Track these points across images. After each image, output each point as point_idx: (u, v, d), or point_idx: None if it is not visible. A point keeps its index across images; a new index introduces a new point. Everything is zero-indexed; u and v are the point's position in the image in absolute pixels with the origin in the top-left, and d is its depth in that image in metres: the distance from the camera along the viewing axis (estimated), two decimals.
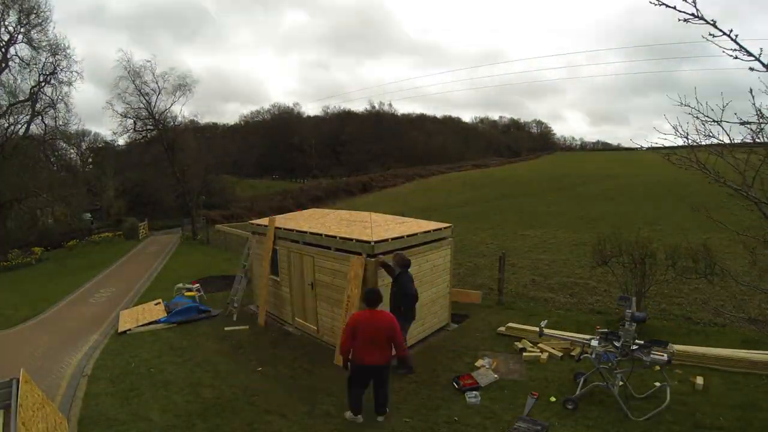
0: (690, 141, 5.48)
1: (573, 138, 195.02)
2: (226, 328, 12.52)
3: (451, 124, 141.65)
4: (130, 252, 32.24)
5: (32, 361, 10.85)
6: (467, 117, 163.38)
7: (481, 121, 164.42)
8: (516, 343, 10.18)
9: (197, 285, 15.95)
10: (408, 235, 10.38)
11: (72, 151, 52.72)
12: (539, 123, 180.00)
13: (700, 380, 7.73)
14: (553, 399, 7.62)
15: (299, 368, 9.69)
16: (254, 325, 12.64)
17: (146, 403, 8.37)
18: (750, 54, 4.30)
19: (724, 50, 4.38)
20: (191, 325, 12.96)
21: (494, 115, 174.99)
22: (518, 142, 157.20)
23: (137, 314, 13.89)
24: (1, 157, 32.83)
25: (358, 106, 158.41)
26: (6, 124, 34.73)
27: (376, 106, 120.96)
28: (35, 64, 34.96)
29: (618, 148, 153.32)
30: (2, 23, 32.56)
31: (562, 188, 50.96)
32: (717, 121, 5.12)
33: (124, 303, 16.17)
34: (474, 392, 8.10)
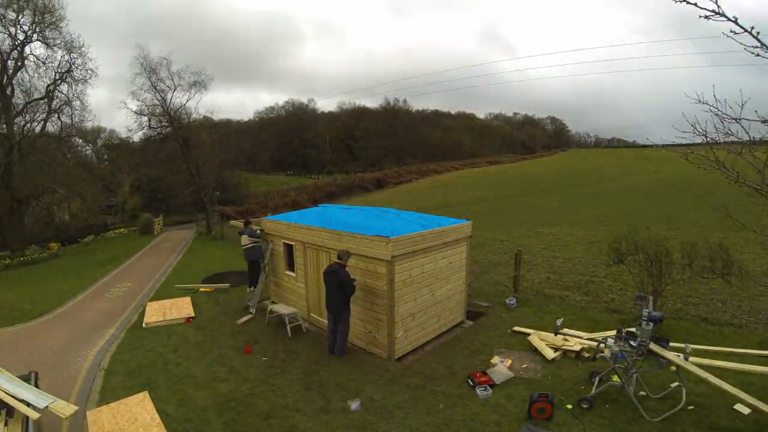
0: (708, 139, 5.43)
1: (588, 135, 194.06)
2: (238, 322, 12.67)
3: (465, 120, 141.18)
4: (146, 247, 32.46)
5: (50, 354, 10.99)
6: (481, 113, 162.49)
7: (496, 117, 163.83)
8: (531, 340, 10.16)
9: None
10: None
11: (88, 147, 53.26)
12: (554, 119, 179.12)
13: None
14: (569, 407, 7.52)
15: (314, 363, 9.73)
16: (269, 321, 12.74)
17: (162, 397, 8.44)
18: None
19: (746, 47, 4.34)
20: (207, 320, 13.07)
21: (508, 112, 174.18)
22: (533, 139, 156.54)
23: (164, 308, 14.08)
24: (18, 154, 33.23)
25: (373, 102, 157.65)
26: (23, 122, 35.13)
27: (391, 102, 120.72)
28: (51, 63, 35.36)
29: (633, 146, 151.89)
30: (17, 22, 32.93)
31: (577, 186, 50.64)
32: (736, 119, 5.08)
33: (140, 298, 16.30)
34: (484, 386, 8.12)
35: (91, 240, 39.53)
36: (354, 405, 7.82)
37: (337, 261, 9.90)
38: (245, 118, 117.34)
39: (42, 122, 36.35)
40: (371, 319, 10.02)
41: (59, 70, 35.66)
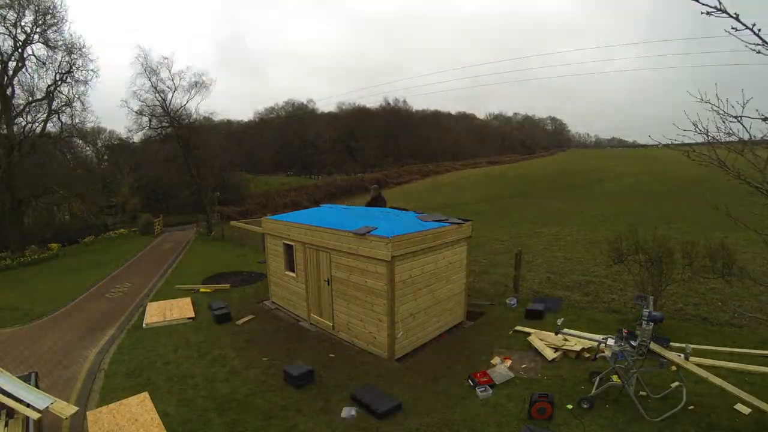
0: (710, 138, 5.42)
1: (588, 135, 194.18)
2: (238, 322, 12.66)
3: (465, 120, 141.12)
4: (146, 248, 32.45)
5: (50, 354, 11.00)
6: (481, 113, 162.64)
7: (496, 117, 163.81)
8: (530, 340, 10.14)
9: None
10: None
11: (88, 148, 53.14)
12: (554, 119, 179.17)
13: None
14: (569, 407, 7.50)
15: (315, 364, 9.70)
16: (269, 321, 12.72)
17: (162, 397, 8.44)
18: None
19: (747, 44, 4.32)
20: (207, 320, 13.06)
21: (508, 112, 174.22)
22: (533, 139, 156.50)
23: (165, 308, 14.08)
24: (18, 154, 33.22)
25: (373, 103, 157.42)
26: (23, 123, 35.16)
27: (391, 103, 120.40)
28: (51, 64, 35.35)
29: (633, 145, 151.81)
30: (19, 23, 32.93)
31: (577, 186, 50.57)
32: (737, 118, 5.06)
33: (140, 298, 16.29)
34: (484, 386, 8.11)
35: (92, 240, 39.53)
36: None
37: None
38: (245, 119, 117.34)
39: (42, 123, 36.37)
40: (371, 319, 10.00)
41: (60, 71, 35.69)
